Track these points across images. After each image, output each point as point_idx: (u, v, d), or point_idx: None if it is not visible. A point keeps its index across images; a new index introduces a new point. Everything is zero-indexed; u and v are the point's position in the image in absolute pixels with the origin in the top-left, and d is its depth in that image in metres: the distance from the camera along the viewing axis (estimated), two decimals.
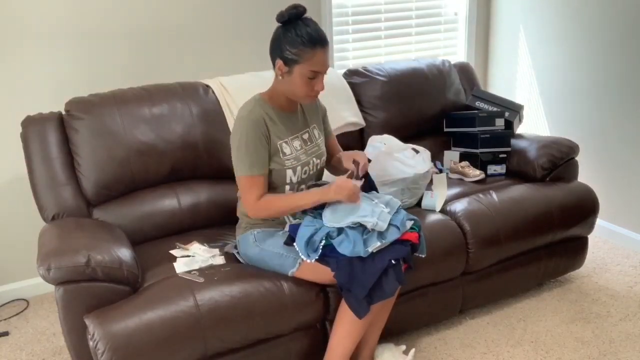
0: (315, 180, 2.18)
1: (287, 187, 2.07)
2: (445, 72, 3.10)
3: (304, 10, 1.94)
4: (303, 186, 2.12)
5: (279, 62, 1.94)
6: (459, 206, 2.48)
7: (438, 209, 2.50)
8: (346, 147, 2.63)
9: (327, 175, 2.30)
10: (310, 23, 1.93)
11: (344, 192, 1.93)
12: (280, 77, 1.97)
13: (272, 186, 2.05)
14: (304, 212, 2.06)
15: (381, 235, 1.92)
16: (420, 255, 2.11)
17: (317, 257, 1.92)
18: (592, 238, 3.14)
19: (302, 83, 1.94)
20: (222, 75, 2.68)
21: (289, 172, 2.04)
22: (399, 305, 2.20)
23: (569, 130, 3.35)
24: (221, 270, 2.04)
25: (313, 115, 2.19)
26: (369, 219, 1.91)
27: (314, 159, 2.12)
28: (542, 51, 3.45)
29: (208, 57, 3.04)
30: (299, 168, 2.06)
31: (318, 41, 1.90)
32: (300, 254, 1.95)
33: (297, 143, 2.08)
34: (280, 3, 3.11)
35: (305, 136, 2.12)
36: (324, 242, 1.92)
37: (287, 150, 2.04)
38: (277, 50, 1.94)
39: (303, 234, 1.94)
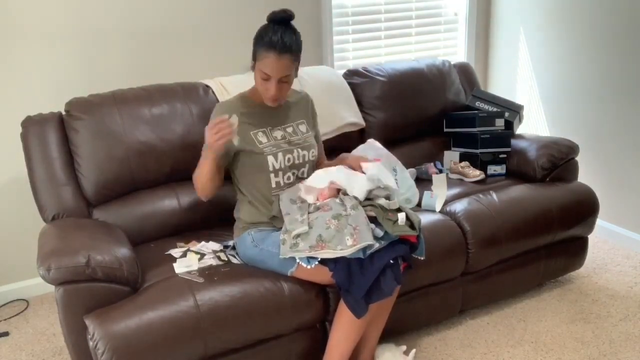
0: (307, 174, 2.18)
1: (272, 175, 2.09)
2: (445, 72, 3.10)
3: (291, 16, 1.99)
4: (289, 174, 2.12)
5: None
6: (459, 206, 2.48)
7: (438, 209, 2.50)
8: (346, 148, 2.63)
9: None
10: (282, 30, 1.96)
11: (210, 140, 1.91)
12: (252, 71, 2.07)
13: (257, 174, 2.09)
14: None
15: (379, 237, 1.92)
16: (420, 258, 2.11)
17: (316, 263, 1.93)
18: (592, 238, 3.14)
19: (259, 81, 2.04)
20: (222, 75, 2.68)
21: (270, 158, 2.07)
22: (399, 305, 2.20)
23: (569, 131, 3.35)
24: (221, 271, 2.04)
25: (301, 112, 2.23)
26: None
27: (299, 149, 2.14)
28: (542, 51, 3.45)
29: (208, 57, 3.04)
30: (280, 154, 2.09)
31: (274, 47, 1.95)
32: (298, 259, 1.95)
33: (278, 134, 2.13)
34: (280, 3, 3.12)
35: (289, 129, 2.16)
36: None
37: (263, 139, 2.09)
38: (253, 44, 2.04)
39: None
